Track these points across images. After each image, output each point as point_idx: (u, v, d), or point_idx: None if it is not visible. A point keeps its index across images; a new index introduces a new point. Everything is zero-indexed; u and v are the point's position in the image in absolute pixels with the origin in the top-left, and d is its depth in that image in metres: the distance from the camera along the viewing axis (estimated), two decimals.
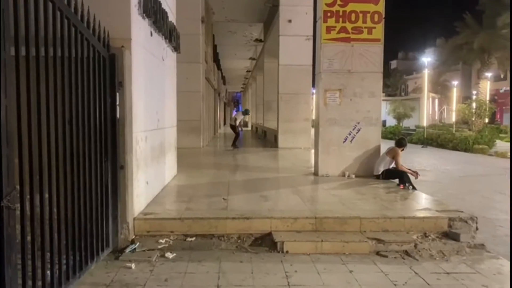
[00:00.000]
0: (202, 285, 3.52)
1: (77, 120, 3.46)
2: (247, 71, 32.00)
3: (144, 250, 4.22)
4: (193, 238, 4.54)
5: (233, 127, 15.11)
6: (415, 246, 4.50)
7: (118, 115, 4.27)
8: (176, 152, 7.77)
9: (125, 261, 3.97)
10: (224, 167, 9.71)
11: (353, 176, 7.95)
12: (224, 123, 42.46)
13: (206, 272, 3.80)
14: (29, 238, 2.68)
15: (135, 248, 4.23)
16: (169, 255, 4.16)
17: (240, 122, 15.37)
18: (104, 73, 4.07)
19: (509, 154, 17.97)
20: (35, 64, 2.74)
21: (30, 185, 2.70)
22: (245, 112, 16.49)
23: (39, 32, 2.75)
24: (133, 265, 3.87)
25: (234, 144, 14.47)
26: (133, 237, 4.49)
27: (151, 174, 5.53)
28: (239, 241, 4.59)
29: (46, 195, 2.91)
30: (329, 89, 8.09)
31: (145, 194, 5.17)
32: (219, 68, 26.15)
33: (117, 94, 4.25)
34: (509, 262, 4.35)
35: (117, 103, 4.25)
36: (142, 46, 4.99)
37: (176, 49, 7.39)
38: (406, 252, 4.40)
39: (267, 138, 19.68)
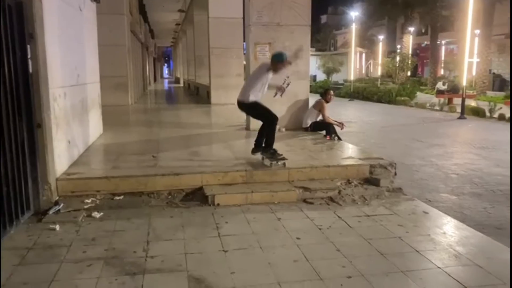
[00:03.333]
0: (132, 241, 3.48)
1: None
2: (176, 24, 30.69)
3: (69, 211, 4.07)
4: (121, 197, 4.45)
5: (251, 107, 5.44)
6: (339, 192, 4.76)
7: (30, 70, 3.95)
8: (100, 110, 7.41)
9: (48, 223, 3.81)
10: (154, 125, 9.48)
11: (284, 129, 8.11)
12: (155, 80, 41.08)
13: (135, 229, 3.76)
14: None
15: (59, 209, 4.06)
16: (96, 214, 4.06)
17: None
18: (11, 24, 3.70)
19: (427, 105, 19.28)
20: None
21: None
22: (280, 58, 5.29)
23: None
24: (57, 227, 3.73)
25: (270, 152, 5.29)
26: (57, 198, 4.30)
27: (73, 133, 5.25)
28: (169, 197, 4.57)
29: None
30: (258, 43, 8.02)
31: (68, 154, 4.93)
32: (146, 20, 24.84)
33: (28, 46, 3.91)
34: (423, 203, 4.75)
35: (29, 56, 3.91)
36: None
37: None
38: (331, 198, 4.65)
39: (199, 94, 19.37)
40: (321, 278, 2.91)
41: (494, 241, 3.66)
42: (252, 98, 5.28)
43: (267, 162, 5.20)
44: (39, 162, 4.07)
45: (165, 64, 73.43)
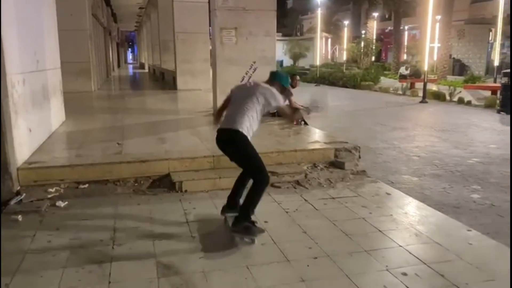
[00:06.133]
0: (98, 230, 3.44)
1: None
2: (140, 8, 29.86)
3: (31, 201, 3.97)
4: (86, 185, 4.37)
5: (243, 142, 3.41)
6: (306, 176, 4.85)
7: None
8: (62, 97, 7.19)
9: (10, 214, 3.71)
10: (119, 111, 9.28)
11: None
12: (119, 65, 40.03)
13: (101, 218, 3.72)
14: None
15: (21, 200, 3.96)
16: (61, 203, 3.97)
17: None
18: None
19: (391, 89, 19.72)
20: None
21: None
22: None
23: None
24: (19, 217, 3.64)
25: (246, 225, 3.34)
26: (18, 188, 4.18)
27: (34, 121, 5.09)
28: (136, 184, 4.53)
29: None
30: (224, 28, 7.94)
31: (29, 142, 4.78)
32: (108, 4, 24.05)
33: None
34: (386, 185, 4.90)
35: None
36: None
37: None
38: (298, 182, 4.73)
39: (165, 80, 19.06)
40: (288, 260, 2.98)
41: (452, 220, 3.84)
42: (249, 130, 3.51)
43: (236, 235, 3.30)
44: None
45: (129, 49, 71.51)
